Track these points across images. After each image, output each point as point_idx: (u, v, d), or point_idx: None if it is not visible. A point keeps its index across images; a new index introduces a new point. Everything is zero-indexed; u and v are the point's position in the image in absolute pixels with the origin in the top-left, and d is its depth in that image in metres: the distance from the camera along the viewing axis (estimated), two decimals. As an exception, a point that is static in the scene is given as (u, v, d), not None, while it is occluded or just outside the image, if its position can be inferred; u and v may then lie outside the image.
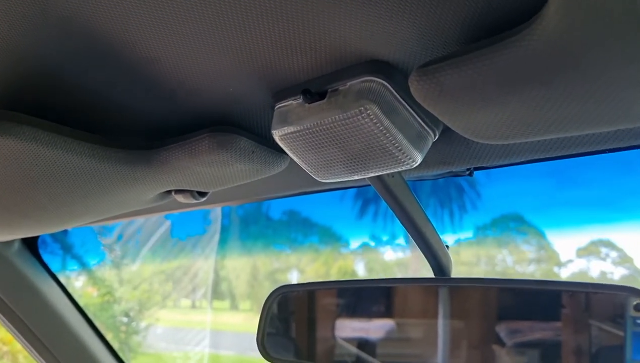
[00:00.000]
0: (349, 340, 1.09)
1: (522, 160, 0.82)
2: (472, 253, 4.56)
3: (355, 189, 5.13)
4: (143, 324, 5.82)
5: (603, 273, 4.51)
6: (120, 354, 1.72)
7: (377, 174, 0.76)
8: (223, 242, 5.63)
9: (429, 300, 1.00)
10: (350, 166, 0.73)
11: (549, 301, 0.91)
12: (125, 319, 5.60)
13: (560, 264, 4.74)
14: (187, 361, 6.19)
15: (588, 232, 4.37)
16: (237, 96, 0.74)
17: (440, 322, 0.98)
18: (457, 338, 0.97)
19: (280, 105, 0.71)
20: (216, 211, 5.33)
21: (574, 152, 0.78)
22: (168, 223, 5.45)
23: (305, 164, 0.76)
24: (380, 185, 0.89)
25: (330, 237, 5.98)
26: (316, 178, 0.78)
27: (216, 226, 5.44)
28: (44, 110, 0.76)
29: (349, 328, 1.10)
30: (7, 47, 0.65)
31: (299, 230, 5.98)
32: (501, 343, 0.93)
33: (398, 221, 0.95)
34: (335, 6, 0.53)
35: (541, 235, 4.67)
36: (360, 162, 0.71)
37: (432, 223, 0.98)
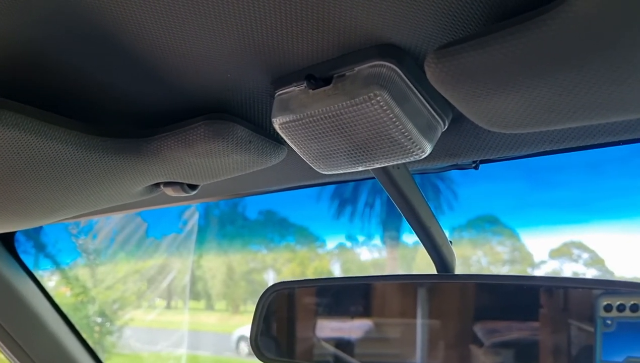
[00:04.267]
0: (345, 340, 1.06)
1: (530, 152, 0.78)
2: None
3: (332, 190, 5.12)
4: (117, 324, 5.75)
5: (575, 274, 4.58)
6: (94, 355, 1.69)
7: (383, 165, 0.72)
8: (199, 241, 5.60)
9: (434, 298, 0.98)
10: (355, 156, 0.69)
11: (528, 300, 0.90)
12: (99, 319, 5.53)
13: (533, 265, 4.81)
14: (162, 361, 6.14)
15: (561, 233, 4.43)
16: (235, 82, 0.70)
17: (422, 321, 0.97)
18: (436, 338, 0.97)
19: (281, 91, 0.67)
20: (192, 211, 5.30)
21: (583, 144, 0.74)
22: (143, 222, 5.40)
23: (307, 154, 0.71)
24: (385, 177, 0.84)
25: (307, 238, 5.97)
26: (317, 169, 0.74)
27: (192, 226, 5.40)
28: (28, 95, 0.72)
29: (346, 327, 1.07)
30: None
31: (275, 230, 5.97)
32: (479, 343, 0.93)
33: (402, 215, 0.91)
34: None
35: (515, 236, 4.73)
36: (366, 152, 0.67)
37: (437, 218, 0.94)
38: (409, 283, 1.03)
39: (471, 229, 4.61)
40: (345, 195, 4.91)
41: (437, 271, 0.97)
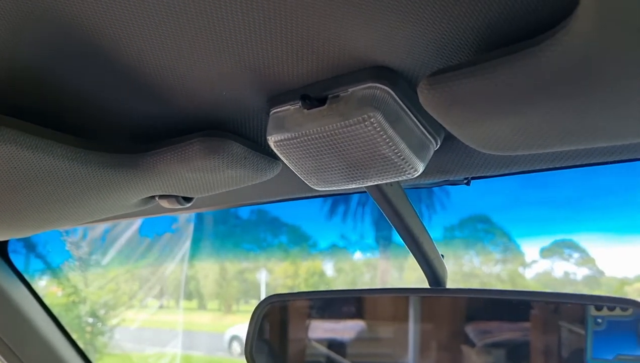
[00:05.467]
0: (340, 350, 1.07)
1: (521, 170, 0.80)
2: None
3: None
4: (109, 325, 5.73)
5: (566, 274, 4.60)
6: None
7: (376, 183, 0.73)
8: (191, 241, 5.58)
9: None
10: (348, 175, 0.70)
11: (520, 304, 0.91)
12: (90, 320, 5.51)
13: (525, 264, 4.83)
14: (154, 361, 6.12)
15: (552, 232, 4.45)
16: (231, 100, 0.71)
17: (415, 334, 0.98)
18: (428, 349, 0.97)
19: (276, 110, 0.68)
20: (185, 210, 5.28)
21: (573, 164, 0.76)
22: (136, 221, 5.37)
23: (301, 171, 0.73)
24: (379, 194, 0.86)
25: (299, 237, 5.97)
26: (311, 185, 0.75)
27: (186, 225, 5.39)
28: (26, 112, 0.72)
29: (340, 338, 1.08)
30: None
31: (267, 230, 5.97)
32: (471, 344, 0.93)
33: (395, 230, 0.93)
34: (342, 11, 0.51)
35: (507, 236, 4.74)
36: (360, 171, 0.69)
37: (429, 232, 0.96)
38: (405, 297, 1.05)
39: (463, 229, 4.63)
40: (337, 195, 4.91)
41: (430, 285, 0.99)
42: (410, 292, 1.06)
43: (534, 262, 4.81)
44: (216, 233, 5.80)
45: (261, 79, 0.64)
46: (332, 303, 1.13)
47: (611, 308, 0.81)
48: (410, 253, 0.97)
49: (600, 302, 0.84)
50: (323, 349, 1.09)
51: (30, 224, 0.96)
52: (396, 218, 0.89)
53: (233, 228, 5.94)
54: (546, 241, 4.56)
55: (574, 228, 4.48)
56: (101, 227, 5.16)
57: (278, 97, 0.67)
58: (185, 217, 5.34)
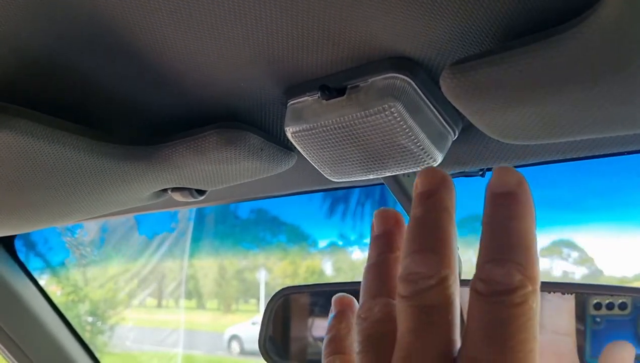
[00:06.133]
0: None
1: (539, 161, 0.79)
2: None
3: (324, 188, 5.14)
4: (109, 324, 5.73)
5: (565, 273, 4.61)
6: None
7: (394, 174, 0.73)
8: (190, 240, 5.59)
9: None
10: (367, 165, 0.70)
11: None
12: (90, 318, 5.51)
13: (524, 264, 4.82)
14: (154, 360, 6.12)
15: (550, 232, 4.46)
16: (248, 91, 0.70)
17: None
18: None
19: (294, 101, 0.68)
20: (184, 209, 5.29)
21: (590, 154, 0.75)
22: (134, 221, 5.38)
23: (318, 162, 0.72)
24: (395, 185, 0.86)
25: (299, 236, 5.97)
26: (328, 177, 0.75)
27: (185, 224, 5.39)
28: (41, 103, 0.71)
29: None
30: None
31: (267, 229, 5.96)
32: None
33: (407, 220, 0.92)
34: (361, 0, 0.50)
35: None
36: (378, 161, 0.69)
37: None
38: None
39: (463, 228, 4.63)
40: (337, 194, 4.91)
41: None
42: None
43: (533, 261, 4.80)
44: (216, 232, 5.80)
45: (279, 70, 0.64)
46: (351, 294, 1.11)
47: (610, 308, 0.81)
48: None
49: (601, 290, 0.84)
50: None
51: (43, 217, 0.95)
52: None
53: (232, 228, 5.94)
54: (545, 240, 4.57)
55: (573, 227, 4.49)
56: (100, 226, 5.16)
57: (296, 88, 0.67)
58: (185, 217, 5.34)
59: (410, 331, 0.30)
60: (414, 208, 0.33)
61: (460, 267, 0.99)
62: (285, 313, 1.11)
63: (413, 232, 0.32)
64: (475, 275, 0.30)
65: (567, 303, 0.86)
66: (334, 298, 0.45)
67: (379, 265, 0.37)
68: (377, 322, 0.34)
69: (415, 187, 0.33)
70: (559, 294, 0.88)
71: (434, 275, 0.30)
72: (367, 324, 0.34)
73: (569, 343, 0.84)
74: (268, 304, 1.09)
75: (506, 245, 0.29)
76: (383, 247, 0.38)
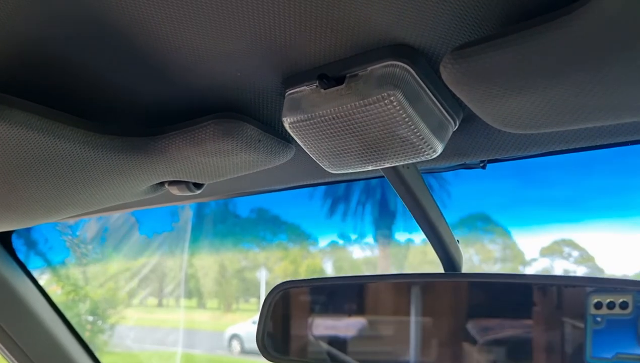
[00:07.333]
0: (355, 340, 1.05)
1: (538, 152, 0.78)
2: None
3: (324, 188, 5.14)
4: (109, 323, 5.73)
5: (566, 272, 4.61)
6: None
7: (393, 165, 0.72)
8: (191, 240, 5.59)
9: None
10: (365, 156, 0.69)
11: (521, 298, 0.91)
12: (90, 318, 5.51)
13: (525, 263, 4.83)
14: (154, 359, 6.12)
15: (551, 231, 4.46)
16: (245, 80, 0.69)
17: (427, 319, 0.96)
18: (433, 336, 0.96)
19: (292, 90, 0.66)
20: (185, 209, 5.29)
21: (592, 144, 0.74)
22: (135, 220, 5.38)
23: (316, 153, 0.71)
24: (395, 177, 0.84)
25: (299, 236, 5.97)
26: (326, 169, 0.74)
27: (185, 224, 5.39)
28: (37, 94, 0.71)
29: (355, 327, 1.06)
30: None
31: (267, 228, 5.96)
32: (472, 341, 0.93)
33: (410, 213, 0.91)
34: None
35: (507, 234, 4.75)
36: (377, 152, 0.67)
37: (445, 217, 0.95)
38: (419, 282, 1.02)
39: (463, 227, 4.63)
40: (338, 193, 4.91)
41: (444, 269, 0.97)
42: (426, 277, 1.03)
43: (534, 260, 4.82)
44: (216, 232, 5.80)
45: (277, 59, 0.63)
46: (347, 292, 1.10)
47: (610, 307, 0.81)
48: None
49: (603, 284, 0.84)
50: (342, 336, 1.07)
51: (40, 212, 0.93)
52: (412, 200, 0.88)
53: (232, 227, 5.94)
54: (546, 240, 4.57)
55: (574, 227, 4.49)
56: (101, 225, 5.16)
57: (294, 77, 0.66)
58: (186, 216, 5.34)
59: None
60: None
61: (460, 263, 0.99)
62: (284, 308, 1.09)
63: None
64: None
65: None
66: None
67: None
68: None
69: None
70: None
71: None
72: None
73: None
74: (266, 298, 1.07)
75: None
76: None
